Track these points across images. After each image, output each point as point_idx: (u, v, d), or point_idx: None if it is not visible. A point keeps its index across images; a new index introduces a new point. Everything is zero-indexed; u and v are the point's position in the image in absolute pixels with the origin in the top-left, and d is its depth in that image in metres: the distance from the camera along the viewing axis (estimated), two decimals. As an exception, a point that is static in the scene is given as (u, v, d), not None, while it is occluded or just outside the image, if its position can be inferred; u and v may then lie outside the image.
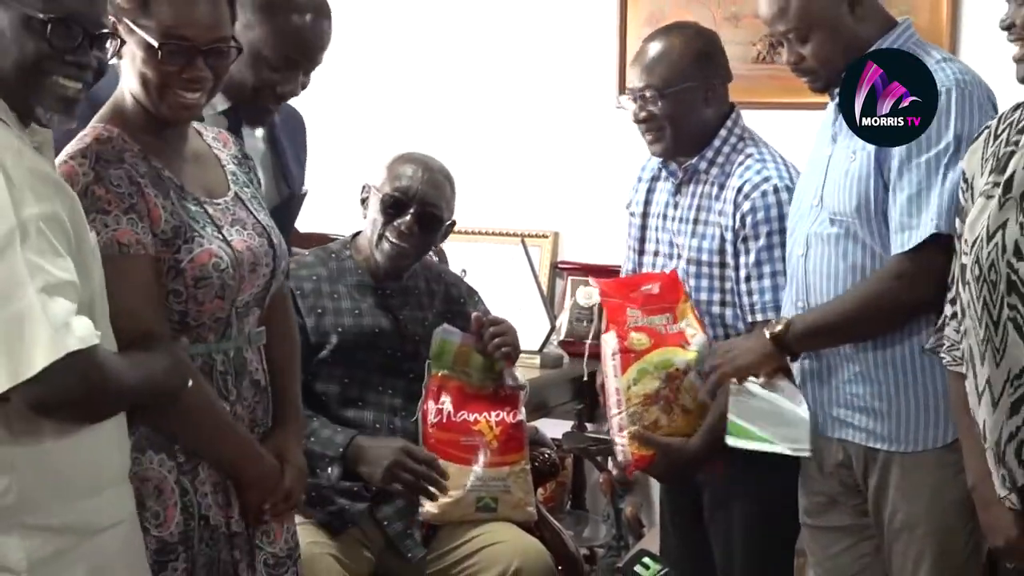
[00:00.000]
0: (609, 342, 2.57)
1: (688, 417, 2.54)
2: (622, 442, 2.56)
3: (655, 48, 2.59)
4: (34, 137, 1.67)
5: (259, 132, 2.42)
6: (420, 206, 2.69)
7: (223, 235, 1.94)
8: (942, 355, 2.08)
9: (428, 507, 2.66)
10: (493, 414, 2.74)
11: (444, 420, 2.72)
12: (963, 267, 1.95)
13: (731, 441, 2.40)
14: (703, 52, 2.61)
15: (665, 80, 2.54)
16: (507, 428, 2.74)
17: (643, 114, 2.57)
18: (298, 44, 2.31)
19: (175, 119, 1.95)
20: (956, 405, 2.07)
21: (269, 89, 2.31)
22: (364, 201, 2.78)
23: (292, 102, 2.50)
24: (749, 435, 2.39)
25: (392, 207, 2.69)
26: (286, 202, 2.43)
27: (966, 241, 1.94)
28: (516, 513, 2.76)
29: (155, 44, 1.85)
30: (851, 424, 2.32)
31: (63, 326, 1.55)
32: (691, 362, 2.53)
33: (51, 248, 1.58)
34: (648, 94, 2.55)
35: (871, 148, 2.22)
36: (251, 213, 2.03)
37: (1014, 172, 1.87)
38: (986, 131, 2.01)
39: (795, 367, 2.39)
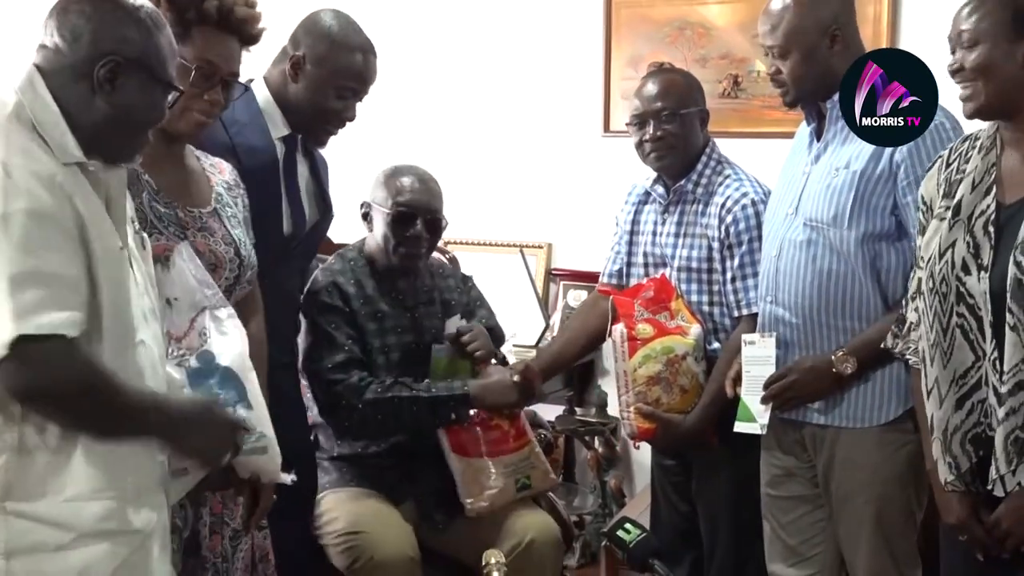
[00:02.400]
0: (619, 332, 2.62)
1: (685, 396, 2.59)
2: (628, 417, 2.61)
3: (662, 80, 2.64)
4: (94, 168, 1.66)
5: (303, 169, 2.50)
6: (425, 214, 2.72)
7: (186, 235, 2.00)
8: (908, 357, 2.10)
9: (478, 503, 2.68)
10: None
11: (467, 424, 2.72)
12: (919, 280, 1.99)
13: (738, 427, 2.40)
14: (698, 86, 2.71)
15: (680, 102, 2.61)
16: (515, 416, 2.79)
17: (659, 132, 2.59)
18: (358, 77, 2.45)
19: (189, 134, 2.08)
20: (919, 399, 2.07)
21: (334, 115, 2.43)
22: (366, 216, 2.78)
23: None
24: (748, 416, 2.38)
25: (402, 221, 2.70)
26: (323, 218, 2.56)
27: (922, 258, 1.99)
28: (545, 483, 2.82)
29: (191, 66, 1.99)
30: (805, 406, 2.36)
31: (28, 311, 1.48)
32: (689, 348, 2.58)
33: (40, 241, 1.51)
34: (665, 115, 2.59)
35: (855, 168, 2.24)
36: (224, 226, 2.09)
37: (961, 198, 1.92)
38: (939, 160, 2.04)
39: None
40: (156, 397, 1.71)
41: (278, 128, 2.41)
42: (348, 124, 2.52)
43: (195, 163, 2.15)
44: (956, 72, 1.90)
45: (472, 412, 2.72)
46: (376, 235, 2.75)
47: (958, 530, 1.98)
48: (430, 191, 2.74)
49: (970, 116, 1.93)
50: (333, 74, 2.40)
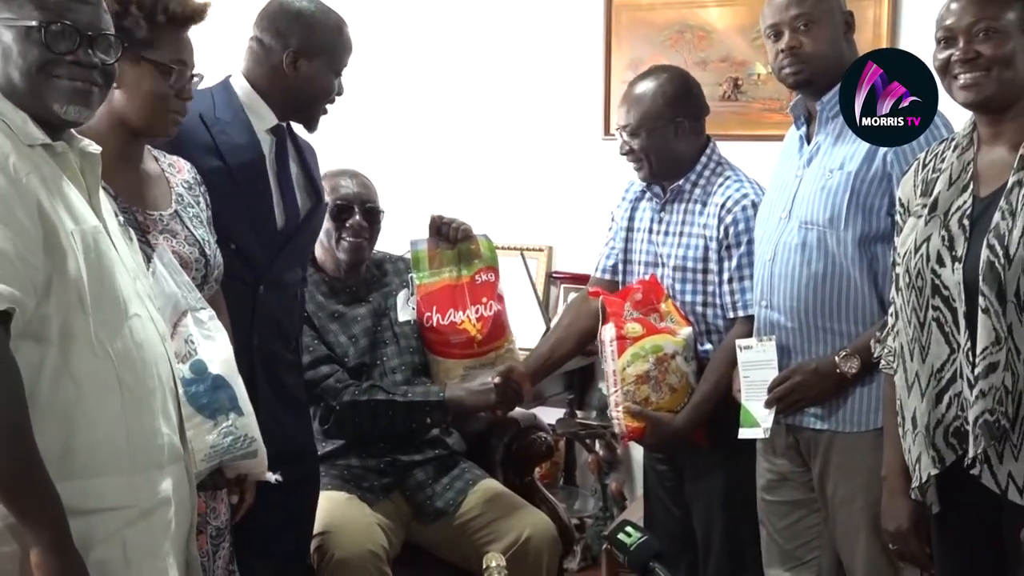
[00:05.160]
0: (608, 332, 2.61)
1: (674, 395, 2.58)
2: (617, 416, 2.60)
3: (634, 92, 2.64)
4: (62, 150, 1.64)
5: (292, 161, 2.48)
6: (361, 205, 2.82)
7: (146, 238, 1.99)
8: (883, 362, 2.12)
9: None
10: (473, 310, 2.84)
11: (435, 325, 2.84)
12: (896, 276, 2.00)
13: (743, 433, 2.39)
14: (673, 94, 2.62)
15: (639, 120, 2.60)
16: (487, 321, 2.84)
17: (625, 148, 2.63)
18: (350, 51, 2.45)
19: (168, 135, 2.07)
20: (887, 405, 2.11)
21: (334, 93, 2.44)
22: None
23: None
24: (752, 421, 2.38)
25: (341, 213, 2.81)
26: (315, 208, 2.52)
27: (899, 254, 2.00)
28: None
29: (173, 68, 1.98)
30: (802, 411, 2.35)
31: None
32: (679, 348, 2.57)
33: None
34: (627, 132, 2.61)
35: (850, 169, 2.23)
36: (186, 227, 2.08)
37: (938, 194, 1.94)
38: (916, 162, 2.06)
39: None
40: (41, 465, 1.51)
41: (264, 120, 2.38)
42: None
43: (153, 165, 2.12)
44: (968, 61, 1.87)
45: (436, 317, 2.82)
46: (320, 235, 2.79)
47: (893, 538, 2.04)
48: (364, 185, 2.87)
49: (975, 103, 1.90)
50: (333, 57, 2.40)
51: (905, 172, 2.08)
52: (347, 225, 2.79)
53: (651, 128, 2.59)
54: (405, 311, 2.89)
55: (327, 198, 2.75)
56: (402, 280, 2.94)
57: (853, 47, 2.34)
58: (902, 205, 2.05)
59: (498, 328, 2.85)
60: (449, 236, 2.85)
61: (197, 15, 2.06)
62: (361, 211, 2.81)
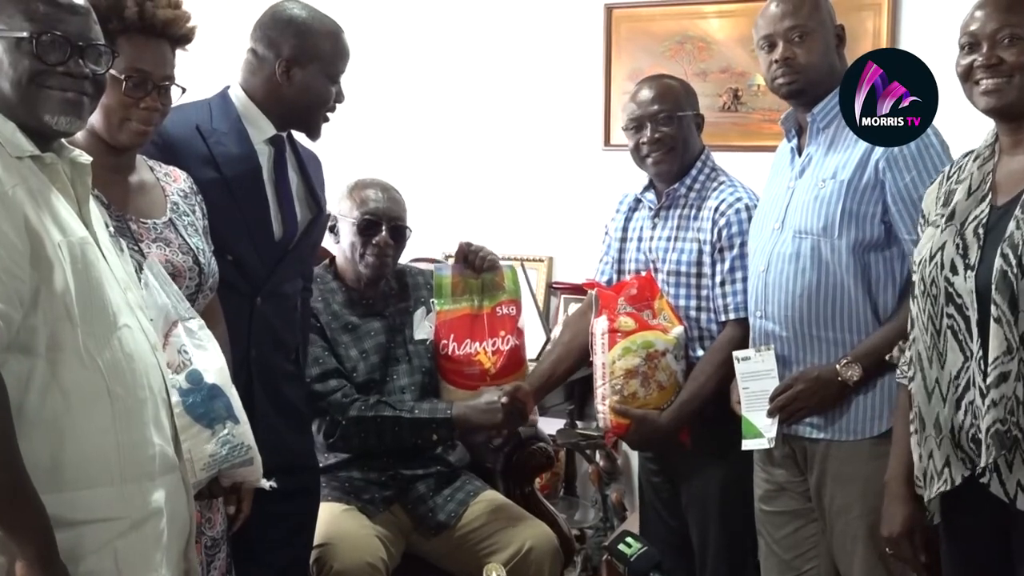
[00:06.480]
0: (600, 324, 2.62)
1: (662, 392, 2.58)
2: (603, 410, 2.61)
3: (659, 85, 2.66)
4: (51, 161, 1.65)
5: (292, 172, 2.49)
6: (389, 222, 2.79)
7: (139, 247, 1.99)
8: (899, 368, 2.13)
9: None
10: (489, 343, 2.82)
11: (450, 354, 2.83)
12: (912, 284, 2.01)
13: (746, 444, 2.40)
14: (693, 92, 2.73)
15: (677, 105, 2.63)
16: (503, 355, 2.82)
17: (657, 135, 2.61)
18: (345, 57, 2.44)
19: (132, 145, 2.05)
20: (899, 413, 2.12)
21: (333, 100, 2.43)
22: (332, 228, 2.83)
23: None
24: (754, 432, 2.39)
25: (367, 228, 2.78)
26: (316, 218, 2.51)
27: (915, 263, 2.01)
28: None
29: (121, 77, 1.95)
30: (798, 420, 2.36)
31: None
32: (670, 345, 2.58)
33: None
34: (663, 117, 2.61)
35: (842, 178, 2.26)
36: (180, 235, 2.08)
37: (956, 203, 1.96)
38: (941, 175, 2.07)
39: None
40: (27, 478, 1.51)
41: (262, 131, 2.38)
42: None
43: (147, 174, 2.13)
44: (991, 67, 1.88)
45: (452, 346, 2.80)
46: (343, 245, 2.82)
47: (891, 543, 2.06)
48: (393, 200, 2.83)
49: (996, 109, 1.90)
50: (327, 64, 2.39)
51: (930, 184, 2.09)
52: (373, 242, 2.77)
53: (686, 116, 2.63)
54: (421, 329, 2.87)
55: (355, 212, 2.76)
56: (420, 297, 2.92)
57: (844, 60, 2.37)
58: (923, 216, 2.07)
59: (513, 363, 2.84)
60: (475, 265, 2.83)
61: (167, 28, 2.03)
62: (388, 228, 2.78)
